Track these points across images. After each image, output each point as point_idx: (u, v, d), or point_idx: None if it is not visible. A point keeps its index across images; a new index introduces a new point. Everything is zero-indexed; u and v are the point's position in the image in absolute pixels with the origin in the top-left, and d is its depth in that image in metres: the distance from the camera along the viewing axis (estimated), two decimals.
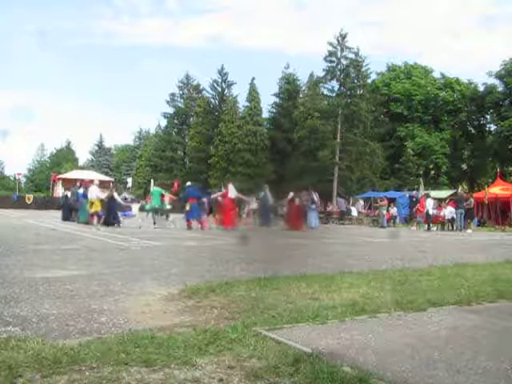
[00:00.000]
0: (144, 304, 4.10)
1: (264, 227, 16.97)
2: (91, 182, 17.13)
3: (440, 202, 23.65)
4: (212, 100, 49.56)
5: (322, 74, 39.81)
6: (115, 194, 16.87)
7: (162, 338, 2.97)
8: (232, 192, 15.99)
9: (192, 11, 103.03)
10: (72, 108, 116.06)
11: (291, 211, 17.63)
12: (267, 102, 50.98)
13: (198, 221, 15.41)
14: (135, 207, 22.59)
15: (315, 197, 19.53)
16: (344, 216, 27.20)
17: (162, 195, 16.43)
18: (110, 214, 16.01)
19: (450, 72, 62.49)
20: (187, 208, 15.43)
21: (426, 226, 21.39)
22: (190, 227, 15.09)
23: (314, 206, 19.32)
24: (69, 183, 31.47)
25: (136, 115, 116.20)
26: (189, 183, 17.46)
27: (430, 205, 21.43)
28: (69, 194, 20.28)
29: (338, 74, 38.88)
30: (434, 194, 27.06)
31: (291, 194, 17.77)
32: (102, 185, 19.06)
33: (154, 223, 15.78)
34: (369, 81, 41.39)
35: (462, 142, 43.61)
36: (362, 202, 28.75)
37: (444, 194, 28.45)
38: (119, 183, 49.21)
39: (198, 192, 16.49)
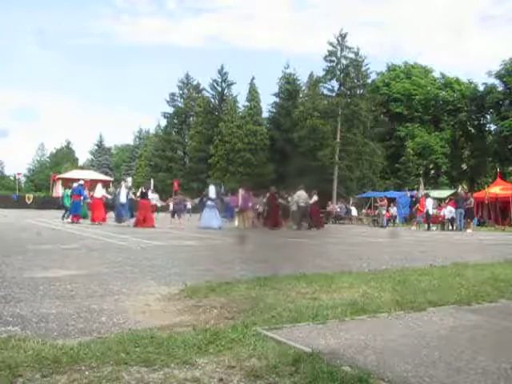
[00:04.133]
0: (144, 304, 4.10)
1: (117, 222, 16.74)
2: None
3: (440, 202, 23.67)
4: (212, 100, 49.59)
5: (322, 73, 39.92)
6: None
7: (161, 337, 2.96)
8: (98, 192, 17.91)
9: (192, 11, 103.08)
10: (72, 108, 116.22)
11: (138, 207, 16.86)
12: (267, 102, 51.01)
13: (73, 215, 17.68)
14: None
15: (212, 192, 16.92)
16: (339, 218, 26.96)
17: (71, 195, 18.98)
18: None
19: (450, 72, 62.47)
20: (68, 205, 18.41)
21: (426, 225, 21.39)
22: (77, 221, 17.40)
23: (210, 203, 16.45)
24: (69, 183, 31.54)
25: (136, 115, 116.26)
26: (81, 182, 19.57)
27: (429, 205, 21.42)
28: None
29: (338, 74, 38.93)
30: (434, 193, 27.07)
31: (140, 189, 17.23)
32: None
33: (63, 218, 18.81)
34: (369, 81, 41.42)
35: (462, 141, 43.64)
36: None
37: (444, 193, 28.47)
38: (117, 183, 49.17)
39: (82, 191, 18.85)
